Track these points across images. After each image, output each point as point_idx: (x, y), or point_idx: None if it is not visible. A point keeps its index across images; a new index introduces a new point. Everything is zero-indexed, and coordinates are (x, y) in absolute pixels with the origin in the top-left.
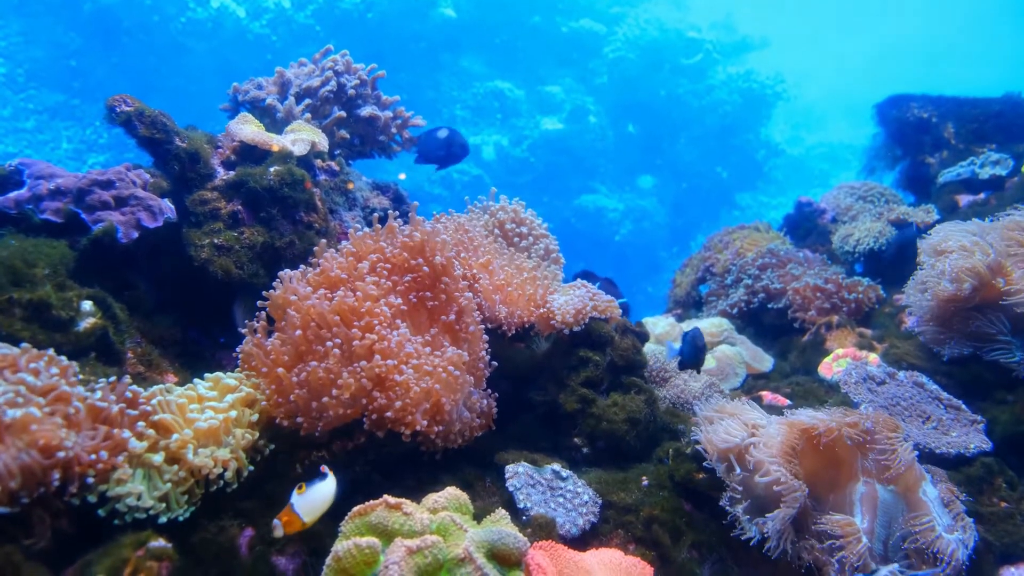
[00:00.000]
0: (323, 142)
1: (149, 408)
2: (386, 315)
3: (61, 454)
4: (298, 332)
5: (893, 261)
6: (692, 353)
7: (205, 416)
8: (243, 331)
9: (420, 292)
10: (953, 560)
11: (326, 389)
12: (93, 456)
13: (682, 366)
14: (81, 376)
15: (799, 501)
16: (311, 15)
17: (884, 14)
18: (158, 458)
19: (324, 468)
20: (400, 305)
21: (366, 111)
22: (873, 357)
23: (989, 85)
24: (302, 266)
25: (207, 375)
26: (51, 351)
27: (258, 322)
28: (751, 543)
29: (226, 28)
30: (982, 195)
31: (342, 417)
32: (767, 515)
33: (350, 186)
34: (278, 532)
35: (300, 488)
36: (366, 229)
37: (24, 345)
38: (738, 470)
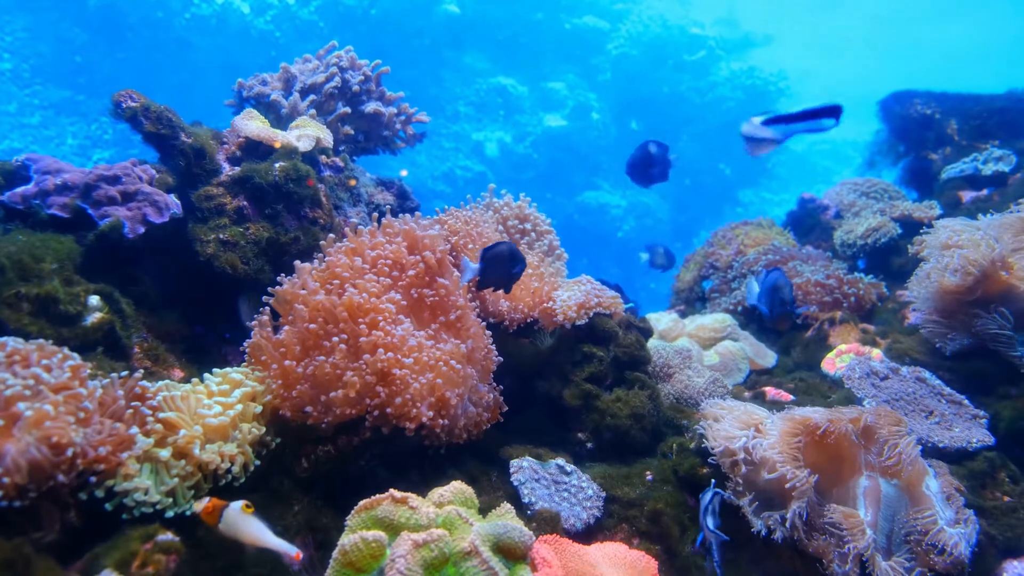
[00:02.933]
0: (328, 138)
1: (156, 403)
2: (391, 311)
3: (71, 451)
4: (309, 326)
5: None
6: None
7: (214, 412)
8: (251, 324)
9: (420, 288)
10: (955, 553)
11: (333, 384)
12: (101, 451)
13: None
14: (89, 371)
15: (807, 497)
16: (315, 11)
17: (887, 10)
18: (165, 453)
19: (297, 556)
20: (400, 301)
21: (370, 107)
22: (876, 352)
23: (993, 81)
24: (316, 260)
25: (216, 370)
26: (66, 349)
27: (264, 318)
28: (757, 537)
29: (230, 24)
30: (985, 191)
31: (348, 415)
32: (774, 511)
33: (352, 183)
34: (196, 507)
35: (249, 508)
36: (360, 226)
37: (40, 342)
38: (743, 466)
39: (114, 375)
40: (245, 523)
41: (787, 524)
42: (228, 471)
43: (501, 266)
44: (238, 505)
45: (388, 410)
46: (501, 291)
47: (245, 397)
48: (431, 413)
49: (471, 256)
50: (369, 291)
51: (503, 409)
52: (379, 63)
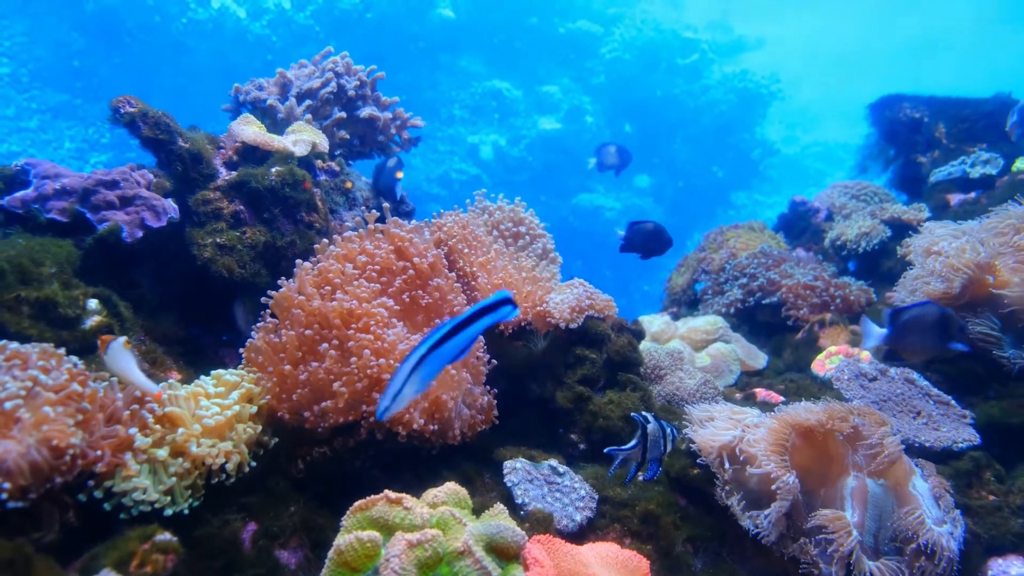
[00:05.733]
0: (324, 143)
1: (157, 404)
2: (382, 315)
3: (70, 452)
4: (306, 332)
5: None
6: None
7: (211, 412)
8: (253, 328)
9: (413, 292)
10: (942, 552)
11: (327, 390)
12: (99, 453)
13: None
14: (88, 374)
15: (792, 494)
16: (311, 16)
17: (879, 15)
18: (163, 452)
19: (158, 395)
20: (393, 306)
21: (366, 112)
22: (865, 354)
23: (981, 85)
24: (310, 264)
25: (211, 372)
26: (63, 351)
27: (263, 321)
28: (745, 535)
29: (227, 29)
30: (973, 194)
31: (343, 421)
32: (762, 510)
33: (348, 186)
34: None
35: (128, 344)
36: (354, 230)
37: (45, 346)
38: (729, 465)
39: (114, 378)
40: (121, 357)
41: (770, 521)
42: (223, 468)
43: (640, 237)
44: (121, 340)
45: None
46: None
47: (242, 398)
48: (423, 420)
49: (465, 260)
50: (359, 297)
51: (495, 412)
52: (374, 68)
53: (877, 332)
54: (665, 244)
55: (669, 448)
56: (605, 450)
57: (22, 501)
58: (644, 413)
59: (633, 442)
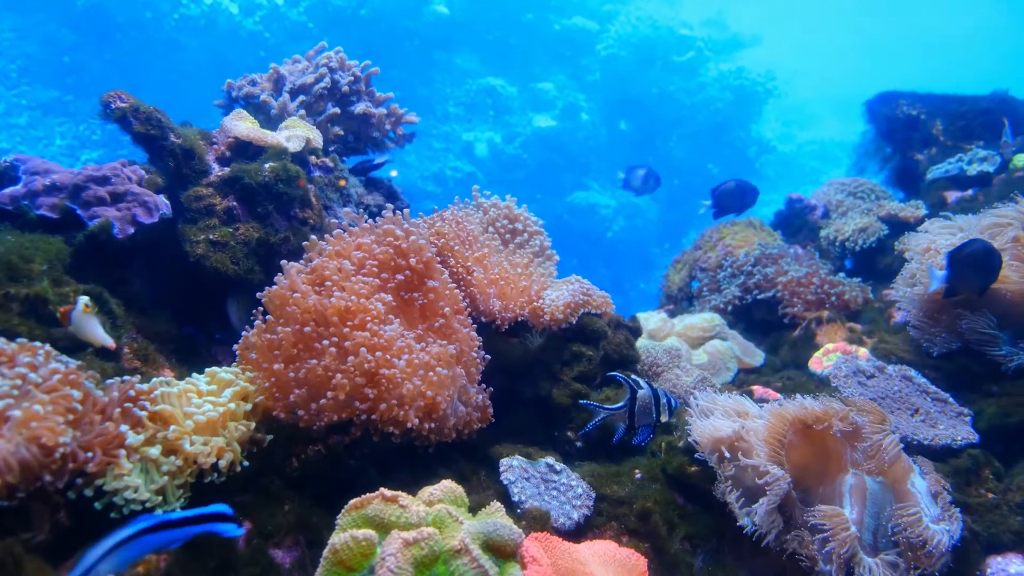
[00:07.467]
0: (317, 138)
1: (149, 402)
2: (379, 311)
3: (60, 451)
4: (304, 329)
5: None
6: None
7: (204, 410)
8: (246, 325)
9: (410, 291)
10: (938, 550)
11: (324, 388)
12: (91, 453)
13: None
14: (79, 372)
15: (782, 488)
16: (304, 12)
17: (875, 12)
18: (155, 451)
19: (111, 347)
20: (391, 302)
21: (360, 108)
22: (863, 351)
23: (978, 82)
24: (303, 261)
25: (206, 370)
26: (49, 347)
27: (256, 320)
28: (743, 533)
29: (219, 25)
30: (970, 191)
31: (339, 419)
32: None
33: (342, 183)
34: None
35: (86, 309)
36: (351, 226)
37: (23, 341)
38: (729, 460)
39: (116, 379)
40: (83, 321)
41: (761, 514)
42: (215, 466)
43: (731, 199)
44: (80, 306)
45: (373, 416)
46: (492, 290)
47: (236, 396)
48: (417, 420)
49: (458, 257)
50: (357, 293)
51: (491, 411)
52: (368, 64)
53: (939, 274)
54: (752, 193)
55: (667, 418)
56: (582, 402)
57: (9, 500)
58: (635, 377)
59: (620, 404)
